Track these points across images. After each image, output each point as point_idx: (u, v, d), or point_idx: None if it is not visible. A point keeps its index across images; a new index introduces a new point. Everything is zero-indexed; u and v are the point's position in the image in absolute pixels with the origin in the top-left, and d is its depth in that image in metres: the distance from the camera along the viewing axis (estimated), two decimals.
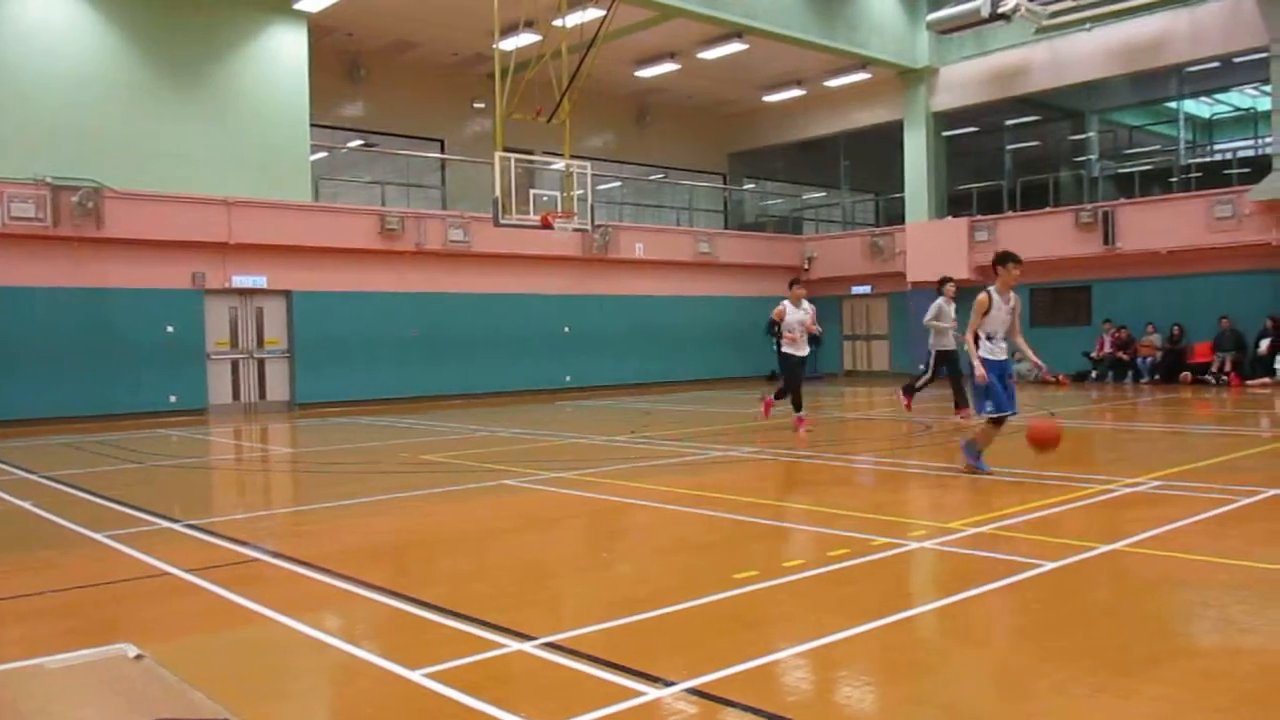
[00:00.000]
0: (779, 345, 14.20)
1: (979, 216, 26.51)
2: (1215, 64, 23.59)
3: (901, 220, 28.31)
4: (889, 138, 28.63)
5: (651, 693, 3.90)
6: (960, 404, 14.54)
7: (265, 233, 20.07)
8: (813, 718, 3.73)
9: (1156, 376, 22.62)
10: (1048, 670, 4.21)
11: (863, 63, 26.42)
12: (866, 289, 29.55)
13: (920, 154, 27.65)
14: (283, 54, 20.71)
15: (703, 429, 14.96)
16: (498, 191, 16.67)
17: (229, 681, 4.28)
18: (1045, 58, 25.23)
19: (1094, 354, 23.79)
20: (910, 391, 15.96)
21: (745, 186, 33.48)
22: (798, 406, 13.83)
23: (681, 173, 31.08)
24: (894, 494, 9.41)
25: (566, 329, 24.85)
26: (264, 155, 20.25)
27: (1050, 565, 5.77)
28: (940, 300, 15.04)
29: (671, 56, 25.41)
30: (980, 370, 9.01)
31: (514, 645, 4.54)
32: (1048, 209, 25.49)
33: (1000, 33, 25.25)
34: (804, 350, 13.97)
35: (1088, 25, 24.19)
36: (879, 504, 8.76)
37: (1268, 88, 22.25)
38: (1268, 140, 22.46)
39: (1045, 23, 23.64)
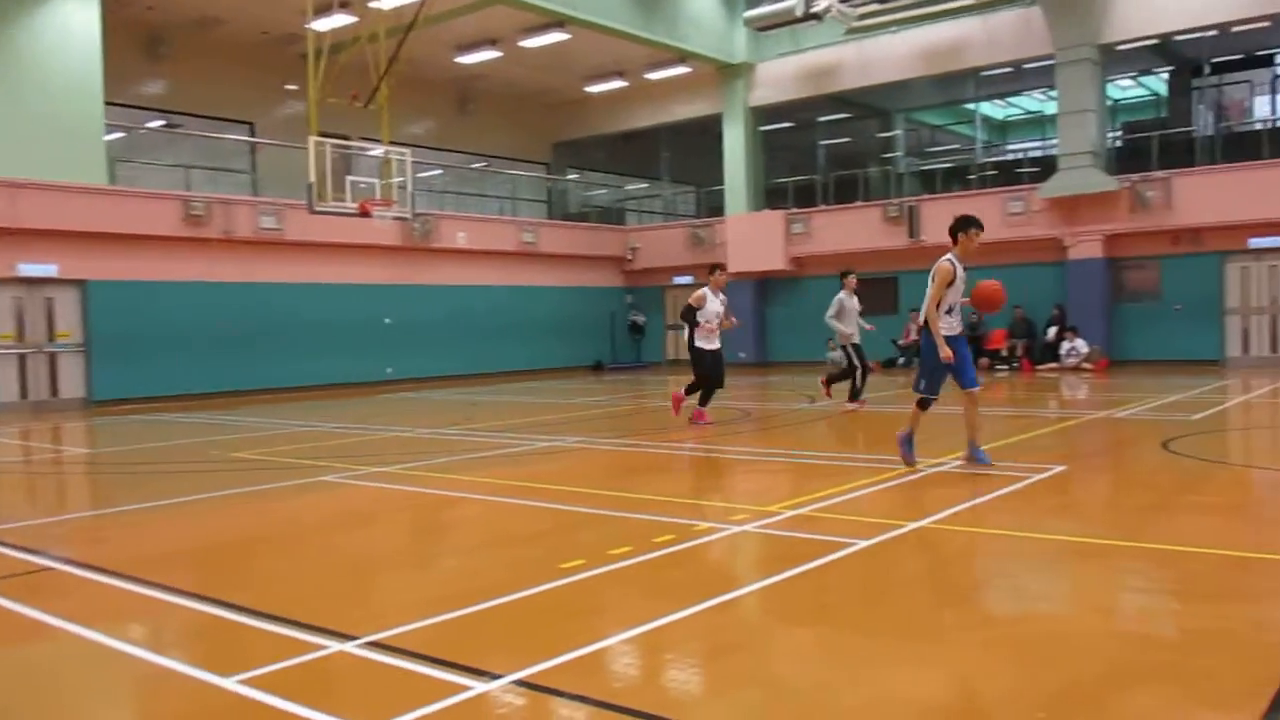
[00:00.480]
0: (691, 336, 13.07)
1: (795, 209, 27.45)
2: (1008, 69, 25.18)
3: (721, 212, 28.99)
4: (709, 131, 29.24)
5: (478, 686, 3.85)
6: (854, 396, 14.46)
7: (55, 218, 18.67)
8: (640, 702, 3.77)
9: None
10: (860, 643, 4.40)
11: (682, 57, 26.86)
12: (688, 279, 30.09)
13: (739, 148, 28.37)
14: (73, 25, 19.27)
15: (529, 420, 14.90)
16: (312, 177, 16.11)
17: (19, 703, 3.97)
18: (855, 58, 26.31)
19: (901, 341, 25.02)
20: (833, 380, 15.43)
21: (569, 176, 33.52)
22: (705, 400, 13.17)
23: (505, 161, 30.82)
24: (717, 480, 9.63)
25: (387, 320, 24.26)
26: (53, 134, 18.79)
27: (862, 543, 6.03)
28: (842, 294, 14.51)
29: (493, 43, 25.14)
30: (946, 351, 8.31)
31: (335, 646, 4.40)
32: (858, 203, 26.64)
33: (814, 32, 26.17)
34: (717, 344, 13.05)
35: (893, 28, 25.37)
36: (702, 490, 8.96)
37: (1054, 93, 23.91)
38: (1054, 142, 24.15)
39: (855, 24, 24.66)
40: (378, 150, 17.96)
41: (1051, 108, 25.30)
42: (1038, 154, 27.72)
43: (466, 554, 6.59)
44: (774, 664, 4.22)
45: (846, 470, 9.00)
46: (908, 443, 8.81)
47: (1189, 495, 7.77)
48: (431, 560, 6.52)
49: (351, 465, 10.28)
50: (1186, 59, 24.61)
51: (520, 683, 3.89)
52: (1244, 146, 22.84)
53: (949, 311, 8.39)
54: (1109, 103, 25.35)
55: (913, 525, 6.53)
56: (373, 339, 23.88)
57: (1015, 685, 3.84)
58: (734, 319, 13.49)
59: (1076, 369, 21.75)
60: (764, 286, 28.34)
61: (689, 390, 13.45)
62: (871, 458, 9.66)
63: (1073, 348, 22.11)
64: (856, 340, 14.52)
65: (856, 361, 14.46)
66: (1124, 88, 28.39)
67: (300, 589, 5.64)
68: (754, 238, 27.45)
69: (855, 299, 14.61)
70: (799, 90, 27.43)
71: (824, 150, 28.84)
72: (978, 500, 7.43)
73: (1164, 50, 24.26)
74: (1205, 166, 22.15)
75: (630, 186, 35.07)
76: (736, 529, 6.64)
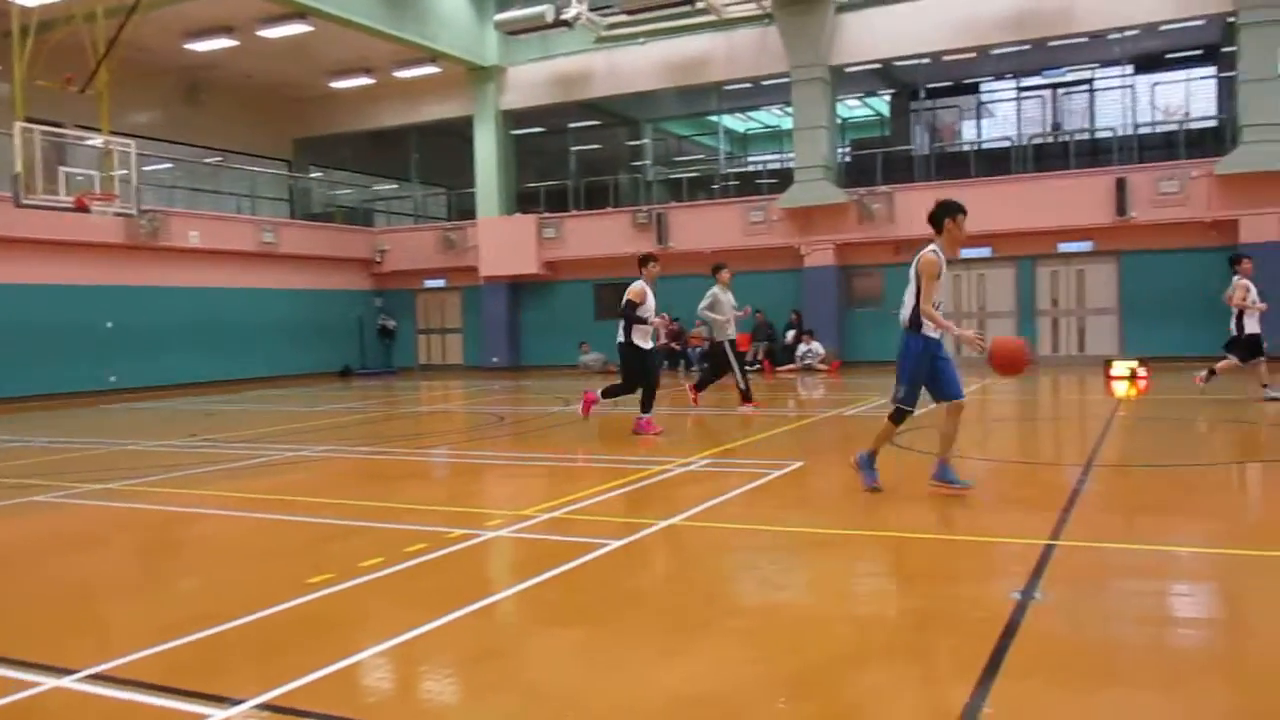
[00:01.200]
0: (629, 334, 11.79)
1: (547, 214, 27.62)
2: (749, 85, 26.40)
3: (473, 215, 28.74)
4: (460, 133, 28.92)
5: (217, 714, 3.61)
6: (699, 387, 14.41)
7: None
8: (394, 717, 3.66)
9: (706, 365, 24.90)
10: (615, 641, 4.47)
11: (432, 56, 26.41)
12: (440, 282, 29.67)
13: (490, 150, 28.23)
14: None
15: (272, 429, 14.18)
16: (19, 167, 14.65)
17: None
18: (605, 67, 26.79)
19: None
20: (701, 386, 14.80)
21: (312, 174, 32.19)
22: (648, 406, 11.73)
23: (242, 157, 29.18)
24: (471, 485, 9.53)
25: (109, 324, 22.38)
26: None
27: (616, 543, 6.14)
28: (716, 289, 13.85)
29: (228, 31, 23.74)
30: (970, 335, 7.41)
31: (50, 682, 4.00)
32: (609, 209, 27.14)
33: (564, 39, 26.45)
34: (651, 343, 12.07)
35: (641, 40, 26.05)
36: (456, 496, 8.82)
37: (791, 109, 25.31)
38: (791, 155, 25.56)
39: (604, 33, 25.13)
40: (97, 140, 16.56)
41: (788, 123, 26.78)
42: (776, 166, 29.25)
43: (204, 574, 6.17)
44: (530, 668, 4.21)
45: (600, 472, 9.13)
46: (869, 464, 7.66)
47: (913, 485, 8.40)
48: (164, 582, 6.06)
49: (69, 483, 9.40)
50: (905, 83, 26.76)
51: (265, 706, 3.68)
52: (955, 165, 25.05)
53: (936, 308, 7.26)
54: (839, 120, 27.11)
55: (663, 523, 6.71)
56: (92, 344, 21.94)
57: (761, 672, 4.01)
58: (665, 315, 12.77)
59: (813, 370, 23.09)
60: (516, 290, 28.34)
61: (612, 393, 12.22)
62: (625, 459, 9.84)
63: (809, 350, 23.46)
64: (731, 335, 13.93)
65: (735, 362, 13.96)
66: (852, 107, 30.45)
67: (8, 622, 5.09)
68: (506, 242, 27.41)
69: (730, 294, 13.98)
70: (550, 96, 27.62)
71: (575, 156, 29.19)
72: (724, 497, 7.73)
73: (886, 74, 26.23)
74: (922, 182, 24.09)
75: (378, 187, 34.12)
76: (491, 535, 6.58)
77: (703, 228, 25.34)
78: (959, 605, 4.85)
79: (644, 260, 12.06)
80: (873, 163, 25.12)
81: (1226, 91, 22.59)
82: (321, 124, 30.85)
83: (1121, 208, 21.26)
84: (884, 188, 23.70)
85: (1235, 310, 13.19)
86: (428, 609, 4.85)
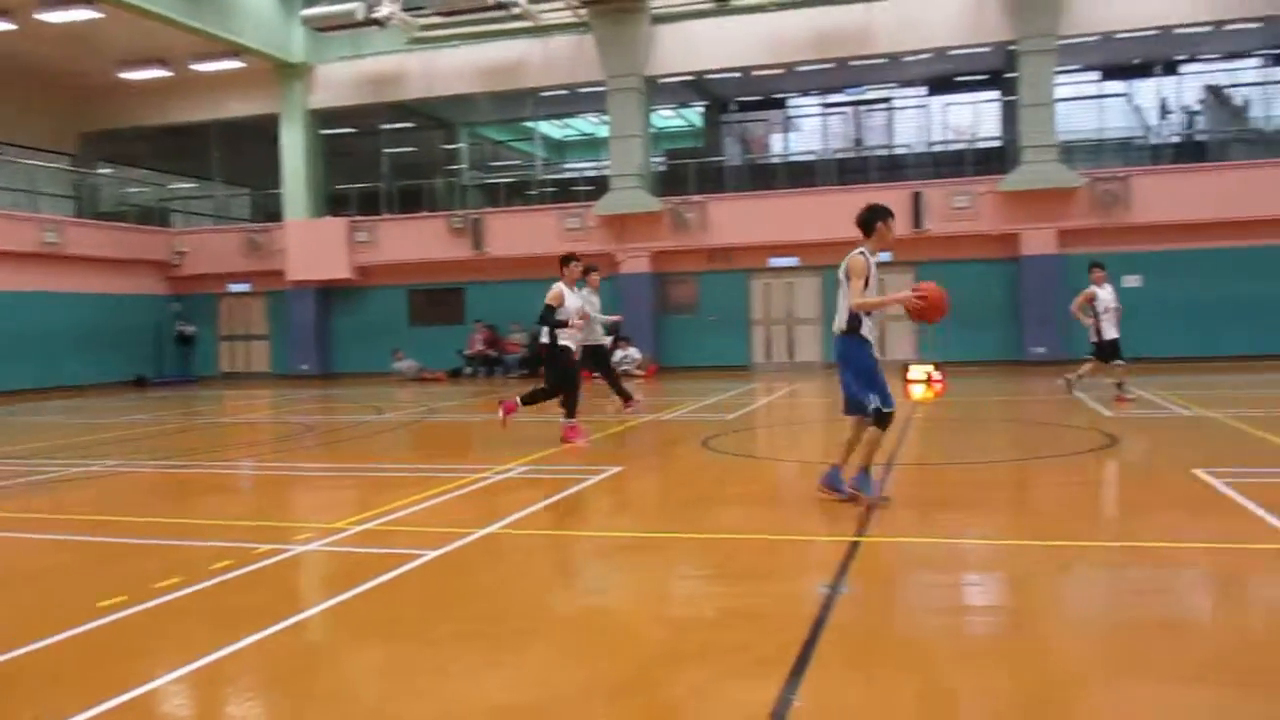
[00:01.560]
0: (554, 338, 11.41)
1: (359, 217, 26.85)
2: (565, 92, 26.48)
3: (279, 216, 27.64)
4: (265, 131, 27.73)
5: None
6: (625, 396, 13.82)
7: None
8: None
9: (523, 371, 24.82)
10: (431, 653, 4.37)
11: (235, 50, 25.22)
12: (245, 286, 28.37)
13: (298, 150, 27.22)
14: None
15: (57, 443, 13.20)
16: None
17: None
18: (419, 68, 26.29)
19: (467, 351, 25.38)
20: (531, 401, 14.35)
21: (101, 170, 30.16)
22: (572, 412, 11.38)
23: (19, 150, 27.00)
24: (278, 498, 9.14)
25: None
26: None
27: (433, 554, 6.02)
28: (585, 290, 13.56)
29: (3, 14, 21.98)
30: (906, 294, 7.17)
31: None
32: (423, 213, 26.65)
33: (376, 38, 25.82)
34: (574, 345, 11.65)
35: (456, 42, 25.73)
36: (262, 510, 8.45)
37: (606, 117, 25.56)
38: (607, 163, 25.82)
39: (417, 34, 24.70)
40: None
41: (604, 131, 27.04)
42: (592, 174, 29.48)
43: None
44: (344, 685, 4.06)
45: (417, 481, 8.93)
46: (865, 478, 7.25)
47: (727, 487, 8.62)
48: None
49: None
50: (718, 96, 27.51)
51: None
52: (765, 176, 25.93)
53: (867, 313, 7.17)
54: (654, 130, 27.58)
55: (482, 532, 6.63)
56: None
57: (580, 678, 4.01)
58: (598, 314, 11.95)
59: (629, 375, 23.34)
60: (326, 295, 27.42)
61: (532, 399, 11.65)
62: (442, 468, 9.67)
63: (626, 356, 23.70)
64: (596, 341, 13.62)
65: (592, 364, 13.57)
66: (666, 117, 31.05)
67: None
68: (315, 245, 26.48)
69: (596, 297, 13.72)
70: (361, 96, 26.87)
71: (388, 158, 28.51)
72: (542, 503, 7.71)
73: (699, 86, 26.86)
74: (734, 192, 24.80)
75: (176, 185, 32.30)
76: (301, 549, 6.33)
77: (519, 233, 25.25)
78: (772, 602, 5.00)
79: (564, 261, 11.79)
80: (686, 172, 25.68)
81: (1009, 114, 24.27)
82: (111, 117, 28.93)
83: (918, 220, 22.50)
84: (697, 197, 24.26)
85: (1092, 317, 13.86)
86: (232, 629, 4.61)
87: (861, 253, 7.20)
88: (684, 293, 25.26)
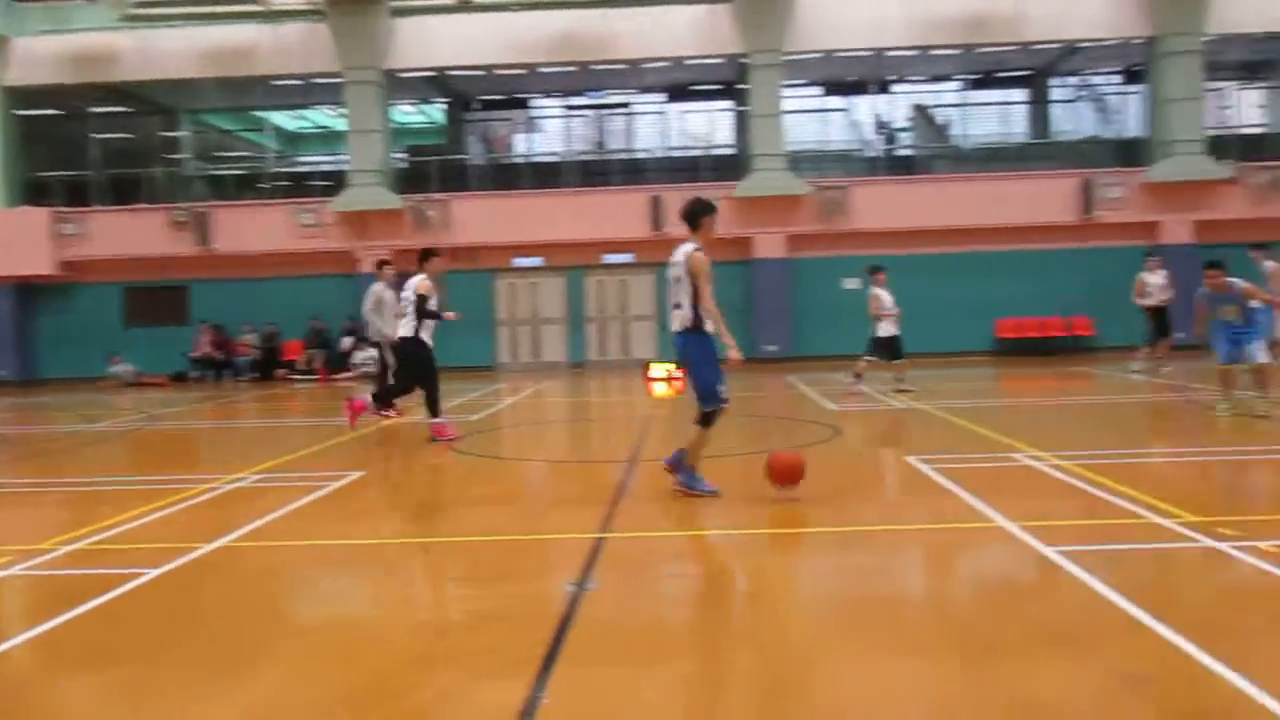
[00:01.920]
0: (417, 330, 11.02)
1: (64, 208, 24.51)
2: (298, 81, 25.31)
3: None
4: None
5: None
6: (384, 401, 12.47)
7: None
8: None
9: (255, 374, 23.54)
10: (162, 678, 4.06)
11: None
12: None
13: None
14: None
15: None
16: None
17: None
18: (135, 48, 24.30)
19: (193, 354, 23.79)
20: (384, 400, 12.77)
21: None
22: (437, 410, 11.09)
23: None
24: None
25: None
26: None
27: (155, 572, 5.59)
28: (378, 286, 13.24)
29: None
30: (735, 353, 7.19)
31: None
32: (141, 205, 24.68)
33: (83, 12, 23.74)
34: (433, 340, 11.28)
35: (177, 22, 24.02)
36: None
37: (344, 110, 24.67)
38: (345, 158, 24.91)
39: (131, 10, 22.86)
40: None
41: (342, 124, 26.08)
42: (329, 168, 28.35)
43: None
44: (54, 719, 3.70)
45: (137, 495, 8.26)
46: (693, 477, 7.33)
47: (474, 489, 8.54)
48: None
49: None
50: (460, 93, 27.19)
51: None
52: (509, 176, 25.90)
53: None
54: (395, 125, 26.89)
55: (211, 546, 6.22)
56: None
57: (321, 692, 3.85)
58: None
59: (370, 377, 22.64)
60: (27, 293, 24.84)
61: (388, 395, 11.35)
62: (166, 478, 9.00)
63: (367, 357, 22.99)
64: (403, 334, 12.62)
65: (391, 363, 13.10)
66: (408, 113, 30.35)
67: None
68: (10, 237, 23.89)
69: (394, 293, 13.07)
70: (66, 75, 24.51)
71: (99, 144, 26.20)
72: (278, 513, 7.33)
73: (441, 83, 26.45)
74: (478, 192, 24.59)
75: None
76: None
77: (250, 229, 23.90)
78: (520, 602, 4.99)
79: (426, 255, 11.49)
80: (429, 170, 25.21)
81: (742, 123, 25.47)
82: None
83: (657, 223, 23.19)
84: (440, 195, 23.87)
85: (872, 317, 14.73)
86: None
87: (698, 248, 7.16)
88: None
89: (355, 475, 8.91)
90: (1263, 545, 5.39)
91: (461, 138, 27.96)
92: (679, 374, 19.64)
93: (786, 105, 23.92)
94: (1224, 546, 5.46)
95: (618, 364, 24.08)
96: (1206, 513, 6.25)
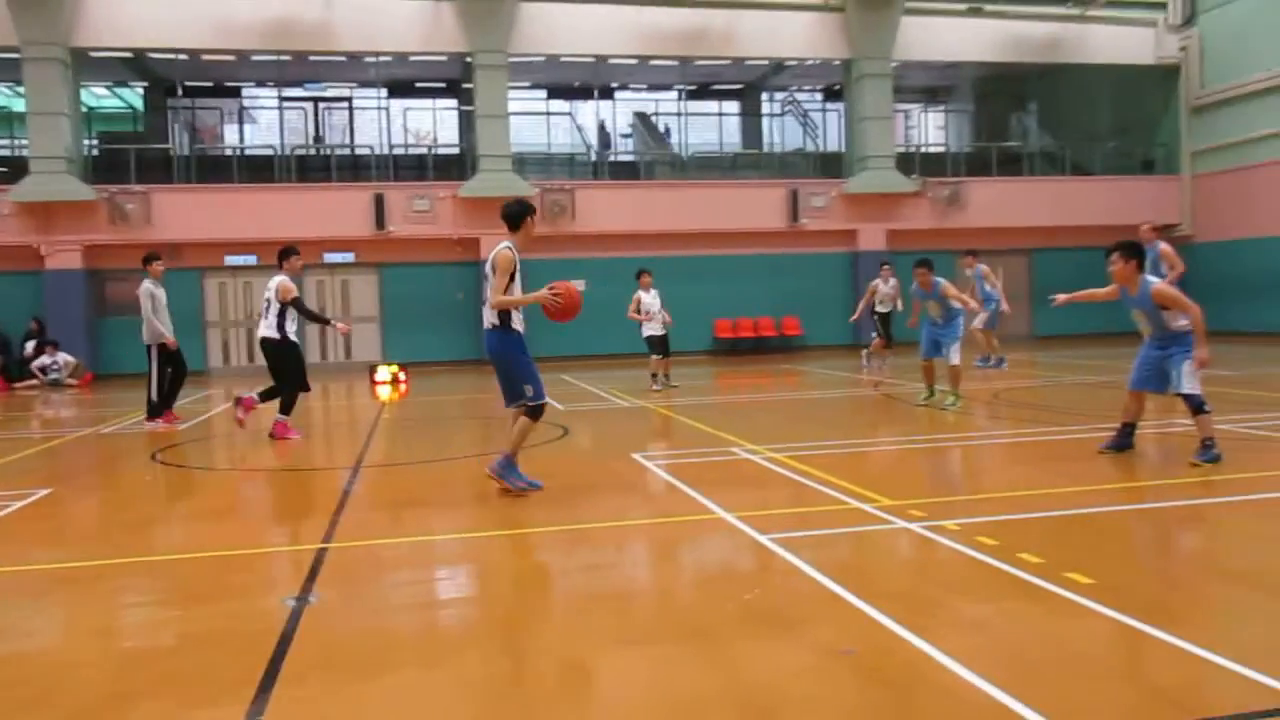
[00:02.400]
0: (282, 329, 11.07)
1: None
2: None
3: None
4: None
5: None
6: (157, 410, 12.39)
7: None
8: None
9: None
10: None
11: None
12: None
13: None
14: None
15: None
16: None
17: None
18: None
19: None
20: (161, 410, 12.66)
21: None
22: (290, 408, 11.25)
23: None
24: None
25: None
26: None
27: None
28: (148, 282, 12.41)
29: None
30: (544, 293, 7.17)
31: None
32: None
33: None
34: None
35: None
36: None
37: (22, 89, 22.29)
38: (25, 142, 22.50)
39: None
40: None
41: (20, 104, 23.55)
42: (6, 153, 25.53)
43: None
44: None
45: None
46: (511, 468, 7.40)
47: (181, 503, 7.96)
48: None
49: None
50: (162, 78, 25.24)
51: None
52: (218, 168, 24.36)
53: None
54: (86, 109, 24.61)
55: None
56: None
57: None
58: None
59: (60, 385, 20.64)
60: None
61: (270, 395, 11.25)
62: None
63: (54, 363, 20.92)
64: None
65: (164, 367, 12.54)
66: (101, 96, 27.86)
67: None
68: None
69: (164, 290, 12.66)
70: None
71: None
72: None
73: (139, 65, 24.48)
74: (183, 184, 22.98)
75: None
76: None
77: None
78: (234, 621, 4.70)
79: (287, 253, 11.29)
80: (126, 159, 23.25)
81: (467, 123, 25.26)
82: None
83: (380, 222, 22.58)
84: (139, 187, 22.10)
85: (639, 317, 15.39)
86: None
87: (509, 246, 7.20)
88: (125, 292, 22.81)
89: (41, 493, 8.07)
90: (948, 524, 5.96)
91: (164, 125, 25.97)
92: (404, 377, 19.23)
93: (512, 107, 23.98)
94: (915, 527, 6.00)
95: (341, 367, 23.25)
96: (900, 496, 6.83)
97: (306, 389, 11.45)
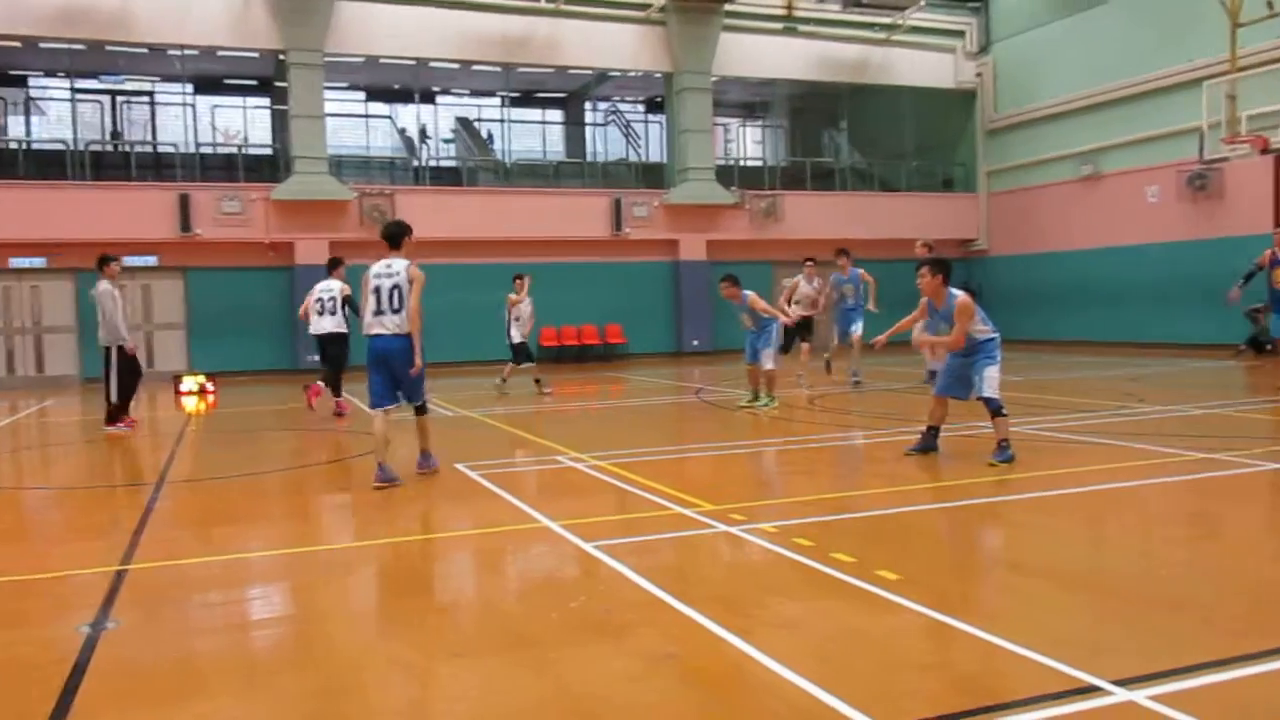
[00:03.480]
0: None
1: None
2: None
3: None
4: None
5: None
6: (116, 415, 12.41)
7: None
8: None
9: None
10: None
11: None
12: None
13: None
14: None
15: None
16: None
17: None
18: None
19: None
20: (120, 414, 12.52)
21: None
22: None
23: None
24: None
25: None
26: None
27: None
28: (104, 284, 12.22)
29: None
30: (419, 359, 8.13)
31: None
32: None
33: None
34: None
35: None
36: None
37: None
38: None
39: None
40: None
41: None
42: None
43: None
44: None
45: None
46: (429, 456, 8.71)
47: None
48: None
49: None
50: None
51: None
52: (2, 164, 22.54)
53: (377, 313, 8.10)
54: None
55: None
56: None
57: None
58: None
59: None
60: None
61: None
62: None
63: None
64: (112, 342, 12.22)
65: (112, 373, 12.27)
66: None
67: None
68: None
69: (119, 290, 12.52)
70: None
71: None
72: None
73: None
74: None
75: None
76: None
77: None
78: (22, 652, 4.36)
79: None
80: None
81: (281, 123, 24.32)
82: None
83: (186, 224, 21.44)
84: None
85: (507, 321, 15.68)
86: None
87: (413, 264, 8.12)
88: None
89: None
90: (766, 527, 6.14)
91: None
92: (211, 387, 18.29)
93: (329, 108, 23.26)
94: (735, 530, 6.14)
95: (145, 376, 21.89)
96: (721, 501, 6.99)
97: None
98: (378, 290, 8.01)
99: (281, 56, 22.47)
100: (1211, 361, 18.41)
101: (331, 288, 13.23)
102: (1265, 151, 16.58)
